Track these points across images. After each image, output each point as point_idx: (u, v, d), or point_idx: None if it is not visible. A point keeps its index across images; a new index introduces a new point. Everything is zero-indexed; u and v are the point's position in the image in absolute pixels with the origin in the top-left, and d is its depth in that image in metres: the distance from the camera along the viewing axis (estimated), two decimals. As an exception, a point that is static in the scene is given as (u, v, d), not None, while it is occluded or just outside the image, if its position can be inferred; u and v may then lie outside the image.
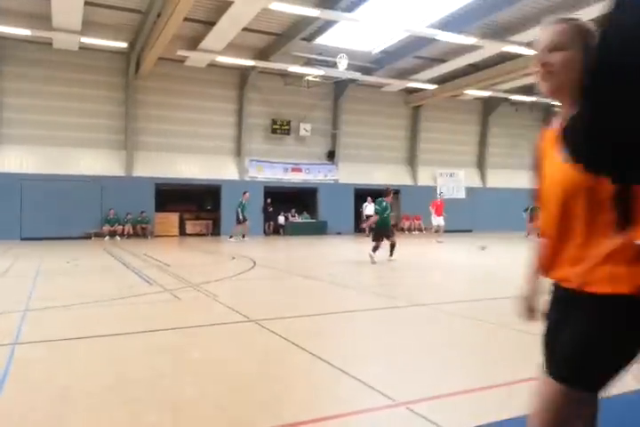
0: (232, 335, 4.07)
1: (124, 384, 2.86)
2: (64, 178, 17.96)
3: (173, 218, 20.39)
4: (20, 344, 3.70)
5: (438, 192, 22.14)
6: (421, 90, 22.96)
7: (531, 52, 17.53)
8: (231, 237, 17.09)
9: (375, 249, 10.06)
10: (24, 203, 17.37)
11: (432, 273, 8.87)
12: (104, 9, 15.61)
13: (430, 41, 17.17)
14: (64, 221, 17.66)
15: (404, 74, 21.53)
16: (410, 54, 19.16)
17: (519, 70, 19.37)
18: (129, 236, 18.47)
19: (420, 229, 23.47)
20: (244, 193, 17.37)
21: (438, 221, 17.66)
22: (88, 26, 16.26)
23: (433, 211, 17.97)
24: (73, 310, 5.03)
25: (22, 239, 16.83)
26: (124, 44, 17.41)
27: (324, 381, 2.98)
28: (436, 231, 17.72)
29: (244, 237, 17.01)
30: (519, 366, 3.23)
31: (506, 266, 9.90)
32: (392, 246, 10.34)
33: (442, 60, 19.93)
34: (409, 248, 13.28)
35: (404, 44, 18.50)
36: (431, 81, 21.81)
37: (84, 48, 18.00)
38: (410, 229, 23.55)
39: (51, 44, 17.56)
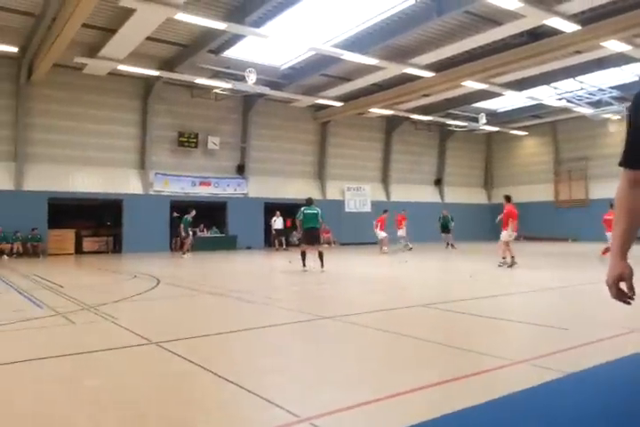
0: (131, 360, 3.86)
1: (8, 419, 2.61)
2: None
3: (69, 235, 18.97)
4: None
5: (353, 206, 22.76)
6: (328, 106, 23.59)
7: (428, 74, 18.75)
8: (184, 253, 16.56)
9: (303, 256, 10.14)
10: None
11: (345, 285, 9.04)
12: (-9, 10, 14.43)
13: (336, 60, 17.74)
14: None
15: (311, 90, 22.01)
16: (317, 72, 19.65)
17: (418, 91, 20.60)
18: (18, 255, 16.94)
19: (329, 243, 23.88)
20: (188, 210, 16.83)
21: (381, 234, 17.74)
22: (-29, 27, 14.92)
23: (378, 224, 17.93)
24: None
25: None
26: (14, 49, 16.16)
27: (229, 402, 2.92)
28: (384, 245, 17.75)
29: (184, 253, 16.54)
30: (418, 373, 3.38)
31: (418, 277, 10.38)
32: (320, 256, 10.35)
33: (347, 79, 20.65)
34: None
35: (311, 62, 18.96)
36: (338, 98, 22.50)
37: (-33, 50, 16.46)
38: (328, 243, 23.90)
39: None
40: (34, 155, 18.26)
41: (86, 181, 19.18)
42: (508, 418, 2.31)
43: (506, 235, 11.31)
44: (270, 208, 22.87)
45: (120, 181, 19.89)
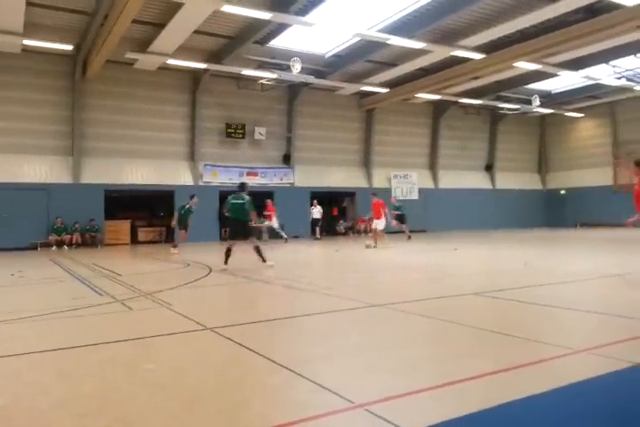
0: (188, 345, 3.97)
1: (74, 400, 2.74)
2: (8, 186, 17.14)
3: (124, 226, 19.77)
4: (-41, 363, 3.48)
5: (393, 193, 22.54)
6: (374, 93, 23.29)
7: (478, 55, 18.14)
8: (175, 246, 14.45)
9: (228, 253, 9.02)
10: (-35, 212, 16.47)
11: (392, 273, 8.97)
12: (48, 10, 15.04)
13: (381, 45, 17.45)
14: (8, 230, 16.86)
15: (356, 77, 21.78)
16: (361, 58, 19.41)
17: (467, 74, 19.99)
18: (77, 245, 17.79)
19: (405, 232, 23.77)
20: (192, 197, 14.51)
21: (377, 224, 15.16)
22: (31, 28, 15.59)
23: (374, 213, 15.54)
24: (18, 324, 4.79)
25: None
26: (69, 47, 16.80)
27: (283, 386, 2.95)
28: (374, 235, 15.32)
29: (175, 247, 14.40)
30: (472, 362, 3.30)
31: (461, 264, 10.17)
32: (257, 251, 9.22)
33: (393, 65, 20.28)
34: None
35: (356, 48, 18.72)
36: (383, 85, 22.16)
37: (28, 51, 17.26)
38: (365, 231, 23.79)
39: (-10, 46, 16.75)
40: (90, 149, 19.04)
41: (140, 174, 19.84)
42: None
43: None
44: (316, 197, 22.92)
45: (171, 173, 20.48)
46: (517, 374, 3.04)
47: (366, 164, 25.14)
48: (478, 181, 28.42)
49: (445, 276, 8.19)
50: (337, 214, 25.64)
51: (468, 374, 3.01)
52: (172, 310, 5.33)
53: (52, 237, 17.43)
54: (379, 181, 25.14)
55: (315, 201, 21.00)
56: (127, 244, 19.44)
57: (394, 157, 25.73)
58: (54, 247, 17.18)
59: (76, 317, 5.15)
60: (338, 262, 11.49)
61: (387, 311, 5.08)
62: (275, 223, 18.72)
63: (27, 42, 16.10)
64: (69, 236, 17.81)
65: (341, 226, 24.58)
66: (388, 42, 16.68)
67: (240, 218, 9.40)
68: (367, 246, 14.50)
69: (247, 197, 9.53)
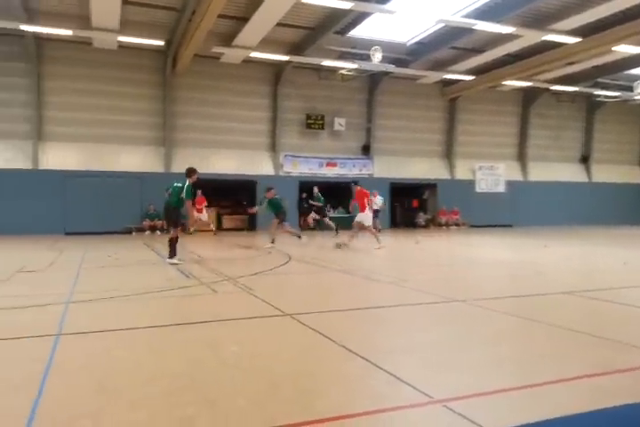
0: (268, 329, 4.09)
1: (163, 377, 2.91)
2: (105, 174, 18.48)
3: (210, 213, 20.69)
4: (63, 335, 3.81)
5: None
6: (458, 81, 22.48)
7: (573, 39, 16.92)
8: (300, 237, 13.70)
9: (173, 246, 8.36)
10: (68, 198, 17.95)
11: (475, 268, 8.68)
12: (141, 7, 15.90)
13: (467, 31, 16.76)
14: (106, 216, 18.19)
15: (440, 65, 21.12)
16: (446, 45, 18.76)
17: (561, 59, 18.70)
18: (167, 230, 18.85)
19: (458, 224, 23.08)
20: (269, 190, 13.35)
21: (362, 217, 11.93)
22: (126, 25, 16.60)
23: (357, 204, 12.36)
24: (113, 303, 5.17)
25: (66, 234, 17.41)
26: (161, 42, 17.70)
27: (360, 376, 2.95)
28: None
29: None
30: (561, 364, 3.11)
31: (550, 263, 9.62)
32: (169, 243, 8.61)
33: (479, 51, 19.43)
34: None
35: (440, 35, 18.12)
36: (468, 72, 21.33)
37: (123, 47, 18.41)
38: (447, 225, 23.19)
39: (90, 43, 18.04)
40: (180, 139, 20.06)
41: (224, 164, 20.61)
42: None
43: None
44: (396, 188, 22.63)
45: (254, 163, 21.09)
46: (612, 380, 2.83)
47: (449, 154, 24.40)
48: (572, 173, 26.62)
49: (534, 273, 7.78)
50: (417, 206, 25.14)
51: (555, 376, 2.85)
52: (254, 294, 5.50)
53: (146, 223, 18.62)
54: (462, 172, 24.34)
55: (375, 191, 18.94)
56: (213, 230, 20.32)
57: (479, 148, 24.75)
58: (147, 232, 18.35)
59: (165, 297, 5.47)
60: (417, 255, 11.29)
61: (468, 307, 4.92)
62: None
63: (122, 38, 17.17)
64: (161, 221, 18.92)
65: (421, 218, 24.11)
66: (474, 27, 15.98)
67: (169, 203, 9.05)
68: (338, 246, 11.58)
69: (185, 182, 8.86)
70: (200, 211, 17.56)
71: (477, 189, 24.31)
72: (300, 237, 13.68)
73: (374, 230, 12.02)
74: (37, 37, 17.33)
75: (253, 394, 2.63)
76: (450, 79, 22.27)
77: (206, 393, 2.64)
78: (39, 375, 2.86)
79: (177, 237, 8.81)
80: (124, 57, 18.89)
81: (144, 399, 2.55)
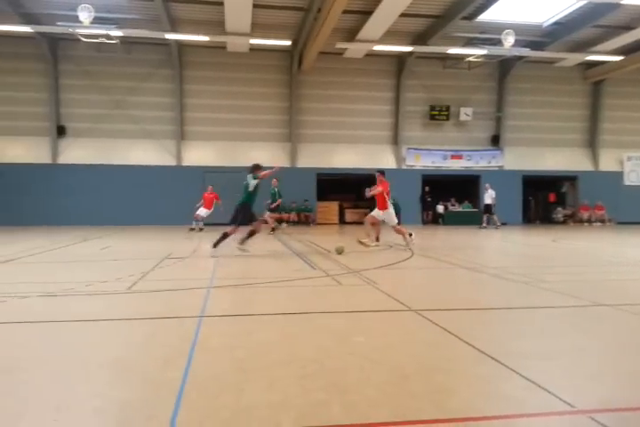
0: (393, 323, 4.07)
1: (295, 361, 3.04)
2: (239, 170, 19.74)
3: (333, 206, 21.23)
4: (205, 317, 4.16)
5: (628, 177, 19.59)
6: (603, 63, 20.34)
7: None
8: (273, 230, 14.53)
9: (222, 239, 8.63)
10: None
11: (618, 269, 7.84)
12: (269, 10, 16.67)
13: (612, 6, 15.12)
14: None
15: (581, 46, 19.29)
16: (588, 24, 17.08)
17: None
18: (294, 223, 19.72)
19: (603, 221, 21.00)
20: (273, 179, 14.48)
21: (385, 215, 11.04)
22: (256, 28, 17.52)
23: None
24: (248, 289, 5.54)
25: (205, 225, 18.93)
26: (288, 42, 18.42)
27: (492, 378, 2.82)
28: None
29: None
30: None
31: None
32: (251, 234, 9.11)
33: (627, 28, 17.39)
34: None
35: (582, 13, 16.55)
36: (615, 52, 19.19)
37: (253, 49, 19.48)
38: (590, 221, 21.21)
39: (224, 47, 19.36)
40: (304, 135, 20.77)
41: (347, 158, 20.92)
42: None
43: None
44: (529, 181, 21.26)
45: (375, 157, 21.10)
46: None
47: (591, 144, 22.25)
48: None
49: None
50: (554, 201, 23.31)
51: None
52: (378, 288, 5.52)
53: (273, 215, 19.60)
54: (606, 162, 22.09)
55: (487, 185, 18.47)
56: (336, 223, 20.85)
57: (628, 136, 22.25)
58: (275, 224, 19.31)
59: (294, 286, 5.72)
60: (556, 254, 10.48)
61: (616, 313, 4.45)
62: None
63: (253, 41, 18.15)
64: (287, 214, 19.84)
65: (559, 214, 22.31)
66: (622, 2, 14.31)
67: (242, 200, 9.14)
68: (363, 243, 10.58)
69: (251, 180, 8.95)
70: (209, 207, 16.65)
71: (626, 182, 21.92)
72: (273, 229, 13.98)
73: (404, 229, 10.61)
74: (180, 44, 19.03)
75: (383, 385, 2.64)
76: (593, 61, 20.26)
77: (336, 380, 2.70)
78: (186, 352, 3.16)
79: (255, 231, 9.29)
80: (254, 58, 19.98)
81: (279, 381, 2.69)
